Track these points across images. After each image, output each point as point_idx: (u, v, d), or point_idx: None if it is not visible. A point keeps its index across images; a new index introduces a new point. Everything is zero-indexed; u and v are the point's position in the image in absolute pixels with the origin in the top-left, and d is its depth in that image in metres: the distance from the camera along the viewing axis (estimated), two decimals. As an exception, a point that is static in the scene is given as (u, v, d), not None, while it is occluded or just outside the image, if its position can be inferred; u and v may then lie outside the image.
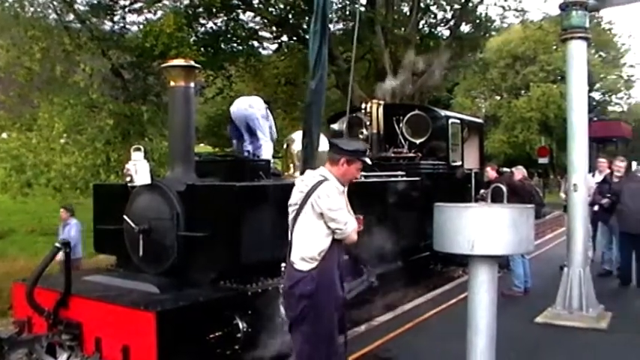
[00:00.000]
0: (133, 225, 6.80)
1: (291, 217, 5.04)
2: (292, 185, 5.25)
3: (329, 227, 4.83)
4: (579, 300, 8.49)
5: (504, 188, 5.71)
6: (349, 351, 5.48)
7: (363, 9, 21.54)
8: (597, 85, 50.23)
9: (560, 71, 40.21)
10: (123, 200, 7.14)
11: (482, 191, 11.24)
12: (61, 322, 6.09)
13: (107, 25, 18.59)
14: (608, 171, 12.38)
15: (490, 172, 11.00)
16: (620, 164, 11.60)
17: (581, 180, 8.71)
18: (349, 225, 4.87)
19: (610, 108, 56.11)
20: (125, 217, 6.95)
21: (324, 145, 7.56)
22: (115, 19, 18.81)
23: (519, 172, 11.03)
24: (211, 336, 5.92)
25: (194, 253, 6.60)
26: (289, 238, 5.05)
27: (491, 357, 5.20)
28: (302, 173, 5.87)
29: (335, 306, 4.95)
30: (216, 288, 6.46)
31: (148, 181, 6.79)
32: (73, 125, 15.59)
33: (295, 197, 5.04)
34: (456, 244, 4.95)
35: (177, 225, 6.61)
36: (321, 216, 4.81)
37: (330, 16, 6.32)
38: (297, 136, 7.73)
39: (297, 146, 7.90)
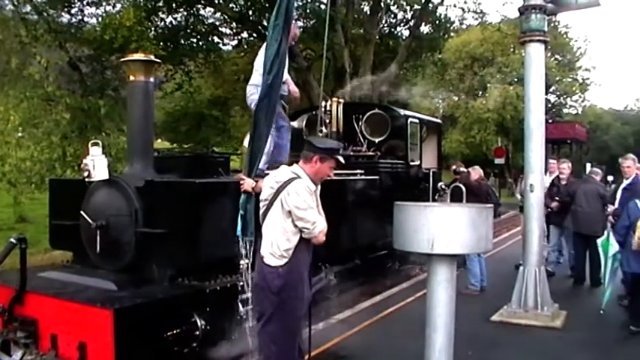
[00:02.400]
0: (90, 221, 6.71)
1: (261, 211, 5.03)
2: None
3: (296, 226, 4.82)
4: (534, 299, 8.61)
5: (463, 188, 5.76)
6: (306, 350, 5.47)
7: (323, 7, 21.56)
8: (553, 88, 50.94)
9: (517, 73, 40.77)
10: (80, 195, 7.03)
11: (440, 184, 11.35)
12: (16, 319, 6.02)
13: (65, 17, 18.34)
14: (557, 173, 12.60)
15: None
16: (564, 166, 11.81)
17: (538, 181, 8.82)
18: (317, 225, 4.83)
19: (565, 110, 56.99)
20: (82, 212, 6.85)
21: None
22: (73, 11, 18.54)
23: (476, 172, 11.15)
24: (169, 334, 5.89)
25: (152, 249, 6.54)
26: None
27: (449, 354, 5.24)
28: (246, 169, 5.80)
29: (302, 304, 4.97)
30: (175, 285, 6.42)
31: (106, 176, 6.69)
32: (29, 118, 15.33)
33: (265, 193, 5.03)
34: (416, 243, 4.96)
35: (135, 221, 6.55)
36: (289, 214, 4.79)
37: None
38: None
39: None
